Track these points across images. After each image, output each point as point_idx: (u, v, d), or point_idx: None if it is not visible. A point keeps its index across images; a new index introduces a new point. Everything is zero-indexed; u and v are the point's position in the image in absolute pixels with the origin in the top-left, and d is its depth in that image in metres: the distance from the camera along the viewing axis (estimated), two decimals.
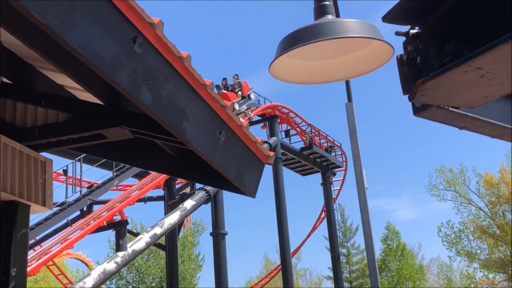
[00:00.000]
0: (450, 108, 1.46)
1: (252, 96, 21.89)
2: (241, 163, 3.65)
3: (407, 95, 1.39)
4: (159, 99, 2.70)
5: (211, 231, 18.44)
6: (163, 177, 18.59)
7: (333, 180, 26.84)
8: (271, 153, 4.03)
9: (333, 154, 26.66)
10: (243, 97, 21.29)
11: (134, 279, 40.34)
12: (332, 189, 26.46)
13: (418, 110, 1.45)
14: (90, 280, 12.28)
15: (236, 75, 21.69)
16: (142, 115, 3.33)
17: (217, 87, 20.52)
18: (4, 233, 3.00)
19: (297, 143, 25.02)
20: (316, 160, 25.45)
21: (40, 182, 3.18)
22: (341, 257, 25.81)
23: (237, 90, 21.19)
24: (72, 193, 17.13)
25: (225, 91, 20.63)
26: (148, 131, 3.38)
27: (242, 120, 3.42)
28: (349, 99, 8.59)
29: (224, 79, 21.22)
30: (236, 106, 20.42)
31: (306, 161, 25.24)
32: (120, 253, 13.47)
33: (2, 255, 2.98)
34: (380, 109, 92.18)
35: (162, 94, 2.72)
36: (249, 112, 20.81)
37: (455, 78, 1.30)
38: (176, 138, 3.23)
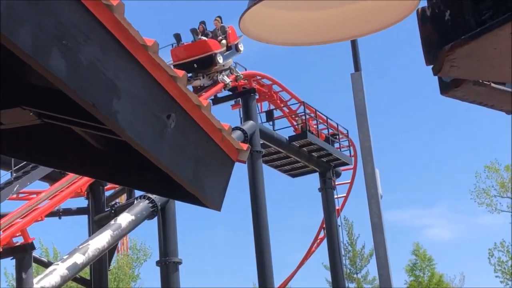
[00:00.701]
0: (492, 85, 1.49)
1: (241, 47, 22.65)
2: (200, 161, 3.68)
3: (431, 67, 1.42)
4: (78, 68, 2.71)
5: (157, 259, 18.48)
6: (85, 180, 18.55)
7: (336, 183, 27.05)
8: (245, 146, 4.07)
9: (336, 145, 26.86)
10: (228, 48, 21.97)
11: None
12: (336, 196, 26.70)
13: (447, 88, 1.48)
14: None
15: (219, 17, 22.40)
16: (53, 90, 3.34)
17: (193, 31, 21.32)
18: None
19: (284, 129, 25.18)
20: (312, 155, 25.62)
21: None
22: None
23: (220, 37, 21.82)
24: None
25: (203, 38, 21.29)
26: (62, 114, 3.38)
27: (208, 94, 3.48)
28: (356, 67, 8.68)
29: (202, 22, 21.85)
30: (220, 60, 21.13)
31: (298, 156, 25.38)
32: None
33: None
34: (400, 83, 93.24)
35: (82, 60, 2.73)
36: (237, 71, 21.99)
37: (498, 43, 1.33)
38: (103, 125, 3.24)
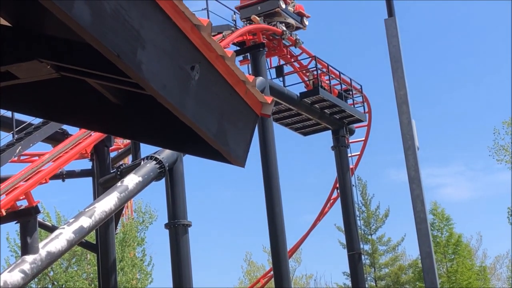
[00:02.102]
0: None
1: (306, 23, 25.50)
2: (224, 115, 3.68)
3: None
4: (102, 15, 2.69)
5: (166, 221, 18.59)
6: (90, 141, 18.60)
7: (350, 141, 27.06)
8: (269, 99, 4.06)
9: (349, 102, 26.79)
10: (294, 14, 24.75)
11: None
12: (349, 155, 26.72)
13: None
14: None
15: None
16: (71, 41, 3.32)
17: None
18: None
19: (295, 85, 25.12)
20: (325, 112, 25.59)
21: None
22: (363, 257, 26.25)
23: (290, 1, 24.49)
24: None
25: None
26: (81, 66, 3.37)
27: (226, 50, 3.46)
28: (390, 12, 8.60)
29: None
30: (283, 5, 23.69)
31: (310, 113, 25.35)
32: (29, 257, 13.53)
33: None
34: (421, 35, 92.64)
35: (106, 7, 2.71)
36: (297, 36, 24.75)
37: None
38: (123, 77, 3.23)
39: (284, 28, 24.02)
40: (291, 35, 24.59)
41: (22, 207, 14.71)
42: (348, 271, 28.98)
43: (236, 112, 3.85)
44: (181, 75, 3.28)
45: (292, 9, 24.69)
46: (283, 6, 23.81)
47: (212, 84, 3.59)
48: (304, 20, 25.20)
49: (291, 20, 24.43)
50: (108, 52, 2.77)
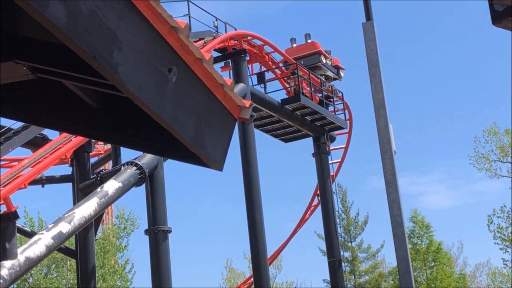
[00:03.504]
0: None
1: (342, 74, 28.36)
2: (202, 118, 3.66)
3: None
4: (77, 16, 2.67)
5: (146, 227, 18.52)
6: (70, 146, 18.53)
7: (331, 148, 27.10)
8: (247, 103, 4.05)
9: (331, 109, 26.85)
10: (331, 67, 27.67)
11: None
12: (330, 162, 26.76)
13: (500, 17, 1.45)
14: None
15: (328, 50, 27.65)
16: (48, 43, 3.30)
17: (307, 36, 27.17)
18: None
19: (276, 92, 25.13)
20: (306, 119, 25.63)
21: None
22: (343, 264, 26.28)
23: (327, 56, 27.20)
24: None
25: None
26: (58, 68, 3.35)
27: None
28: (368, 16, 8.62)
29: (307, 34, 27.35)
30: (323, 60, 26.82)
31: (291, 120, 25.38)
32: (7, 263, 13.41)
33: None
34: (400, 37, 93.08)
35: (82, 7, 2.69)
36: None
37: None
38: (101, 79, 3.21)
39: (324, 80, 26.61)
40: (329, 86, 26.76)
41: (0, 212, 14.62)
42: (328, 278, 28.98)
43: (214, 116, 3.84)
44: (158, 77, 3.27)
45: (330, 62, 27.62)
46: (324, 60, 26.83)
47: (190, 87, 3.58)
48: (340, 72, 28.11)
49: (329, 73, 27.36)
50: (84, 53, 2.76)
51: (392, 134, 8.39)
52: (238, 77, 22.04)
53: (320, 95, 26.25)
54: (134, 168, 17.48)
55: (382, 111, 8.36)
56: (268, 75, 25.16)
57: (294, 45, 27.27)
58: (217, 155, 3.91)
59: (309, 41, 27.23)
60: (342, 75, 28.32)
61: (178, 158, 4.03)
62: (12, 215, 14.39)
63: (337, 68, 27.95)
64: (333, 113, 26.81)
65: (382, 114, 8.36)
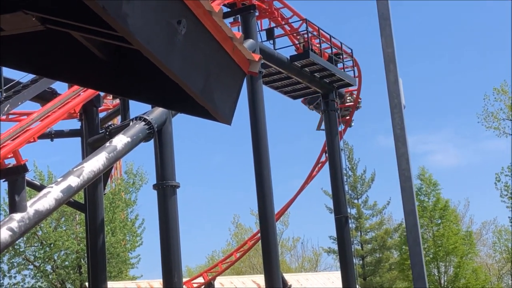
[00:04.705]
0: None
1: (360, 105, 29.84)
2: (211, 72, 3.61)
3: None
4: None
5: (154, 182, 18.58)
6: (78, 100, 18.47)
7: (339, 105, 27.02)
8: (256, 57, 3.99)
9: (340, 66, 26.70)
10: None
11: (37, 255, 40.86)
12: (338, 119, 26.70)
13: None
14: None
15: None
16: None
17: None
18: None
19: (285, 48, 24.98)
20: (315, 75, 25.51)
21: None
22: (350, 221, 26.38)
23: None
24: None
25: None
26: (67, 19, 3.29)
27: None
28: None
29: None
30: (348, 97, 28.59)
31: (299, 76, 25.27)
32: (16, 215, 13.50)
33: None
34: None
35: None
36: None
37: None
38: (110, 31, 3.16)
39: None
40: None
41: (10, 166, 14.65)
42: (334, 235, 29.15)
43: (223, 69, 3.79)
44: (167, 30, 3.21)
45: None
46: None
47: (199, 40, 3.52)
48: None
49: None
50: (93, 4, 2.70)
51: (401, 88, 8.32)
52: (247, 33, 21.87)
53: (330, 52, 26.07)
54: (143, 123, 17.47)
55: (392, 65, 8.27)
56: (277, 31, 24.96)
57: None
58: (226, 108, 3.86)
59: None
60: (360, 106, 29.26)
61: (187, 111, 3.99)
62: (21, 168, 14.47)
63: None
64: (342, 70, 26.66)
65: (392, 68, 8.28)
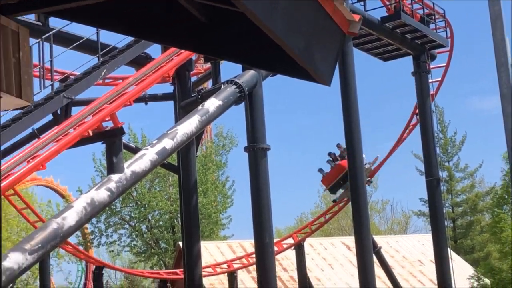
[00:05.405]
0: None
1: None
2: (311, 33, 3.58)
3: None
4: None
5: (245, 145, 18.71)
6: (172, 65, 18.70)
7: (431, 67, 26.50)
8: (356, 17, 3.94)
9: (432, 26, 26.12)
10: None
11: (132, 215, 41.99)
12: (430, 81, 26.22)
13: None
14: (72, 215, 12.70)
15: (339, 144, 27.98)
16: None
17: (329, 162, 28.11)
18: None
19: (376, 10, 24.59)
20: (406, 37, 25.04)
21: (13, 63, 3.20)
22: (441, 183, 25.97)
23: (345, 156, 26.95)
24: (40, 88, 17.46)
25: (339, 161, 27.27)
26: None
27: None
28: None
29: (330, 153, 28.09)
30: None
31: (390, 38, 24.86)
32: (114, 176, 13.84)
33: None
34: None
35: None
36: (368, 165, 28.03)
37: None
38: None
39: None
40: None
41: (107, 128, 15.03)
42: (425, 197, 28.81)
43: (323, 30, 3.75)
44: None
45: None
46: None
47: (301, 1, 3.49)
48: None
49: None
50: None
51: (509, 47, 8.06)
52: None
53: (421, 12, 25.53)
54: (234, 86, 17.57)
55: (499, 22, 8.01)
56: None
57: (325, 172, 28.04)
58: (326, 69, 3.84)
59: (335, 163, 27.58)
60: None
61: (286, 73, 3.99)
62: (118, 131, 14.81)
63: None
64: (434, 31, 26.08)
65: (499, 26, 8.03)
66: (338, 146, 28.33)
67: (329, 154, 28.57)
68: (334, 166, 27.49)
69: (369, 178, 28.40)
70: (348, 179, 25.40)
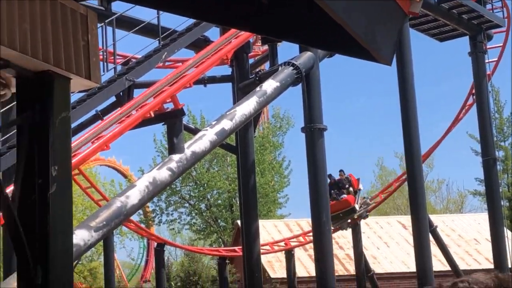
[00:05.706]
0: None
1: (361, 187, 28.78)
2: (373, 12, 3.54)
3: None
4: None
5: (302, 125, 18.69)
6: (230, 47, 18.75)
7: (488, 47, 26.00)
8: None
9: (488, 7, 25.61)
10: (355, 192, 27.52)
11: (192, 194, 42.41)
12: (487, 61, 25.74)
13: None
14: (134, 194, 12.95)
15: (342, 170, 27.99)
16: None
17: (333, 191, 26.92)
18: (38, 118, 3.14)
19: None
20: (462, 17, 24.61)
21: (82, 45, 3.25)
22: (497, 163, 25.54)
23: (346, 185, 27.50)
24: (103, 71, 17.71)
25: (344, 196, 26.81)
26: None
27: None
28: None
29: (330, 175, 26.02)
30: (357, 207, 27.19)
31: (447, 18, 24.47)
32: (175, 156, 14.02)
33: (37, 149, 3.14)
34: None
35: None
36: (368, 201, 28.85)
37: None
38: None
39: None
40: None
41: (168, 110, 15.19)
42: (480, 177, 28.37)
43: (384, 10, 3.70)
44: None
45: (349, 183, 27.74)
46: (357, 208, 27.27)
47: None
48: (360, 186, 28.30)
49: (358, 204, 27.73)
50: None
51: None
52: None
53: None
54: (291, 68, 17.56)
55: None
56: None
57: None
58: (387, 49, 3.79)
59: (341, 197, 26.85)
60: (361, 187, 28.77)
61: (346, 53, 3.96)
62: (179, 112, 14.97)
63: (358, 187, 27.91)
64: (491, 11, 25.57)
65: None
66: (340, 173, 28.04)
67: (329, 176, 26.49)
68: (340, 200, 26.72)
69: (367, 213, 28.42)
70: (349, 213, 26.53)
